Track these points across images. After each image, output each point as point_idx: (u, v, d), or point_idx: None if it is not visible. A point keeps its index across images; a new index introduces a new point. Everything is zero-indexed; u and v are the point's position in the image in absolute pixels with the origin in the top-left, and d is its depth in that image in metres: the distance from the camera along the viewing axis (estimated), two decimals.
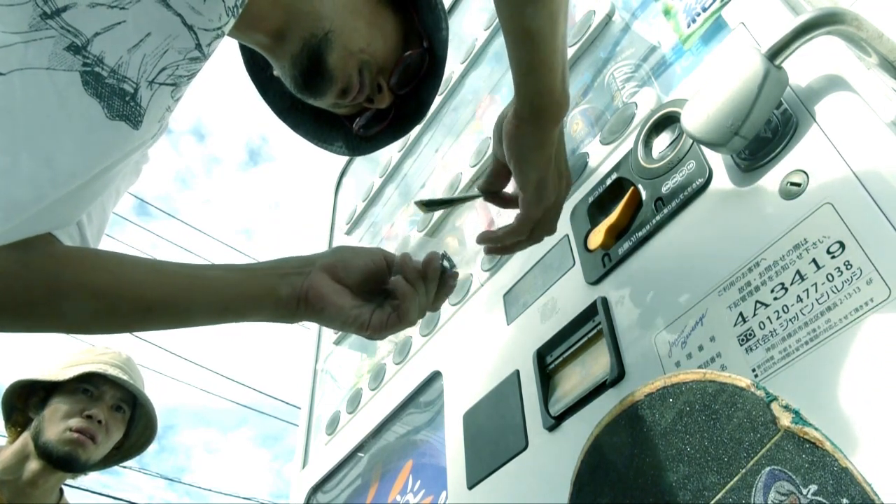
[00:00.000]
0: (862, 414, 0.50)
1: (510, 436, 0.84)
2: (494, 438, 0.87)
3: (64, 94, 0.51)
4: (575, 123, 1.08)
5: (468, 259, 1.20)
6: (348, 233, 1.79)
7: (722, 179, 0.71)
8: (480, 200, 0.84)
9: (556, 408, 0.79)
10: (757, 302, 0.61)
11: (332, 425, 1.35)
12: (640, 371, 0.70)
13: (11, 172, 0.52)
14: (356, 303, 0.71)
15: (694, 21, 0.86)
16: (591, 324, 0.81)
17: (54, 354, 1.54)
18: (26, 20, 0.48)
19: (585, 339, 0.81)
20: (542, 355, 0.86)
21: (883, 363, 0.50)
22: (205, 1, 0.53)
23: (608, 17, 1.07)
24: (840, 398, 0.51)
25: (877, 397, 0.50)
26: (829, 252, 0.57)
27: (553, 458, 0.77)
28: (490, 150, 0.84)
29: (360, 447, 1.23)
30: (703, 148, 0.74)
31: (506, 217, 0.74)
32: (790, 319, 0.58)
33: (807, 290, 0.58)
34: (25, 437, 1.41)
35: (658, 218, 0.76)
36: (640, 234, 0.77)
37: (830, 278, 0.56)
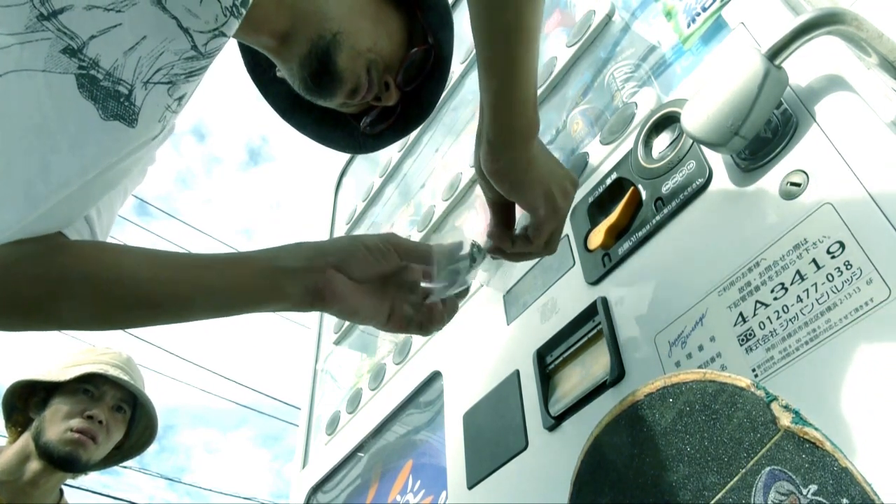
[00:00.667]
0: (862, 414, 0.50)
1: (510, 436, 0.84)
2: (494, 438, 0.87)
3: (59, 96, 0.51)
4: (575, 123, 1.08)
5: None
6: (348, 233, 1.79)
7: (722, 179, 0.71)
8: (480, 200, 0.84)
9: (556, 408, 0.79)
10: (757, 302, 0.61)
11: (332, 425, 1.35)
12: (640, 371, 0.70)
13: (6, 174, 0.52)
14: (373, 301, 0.70)
15: (694, 21, 0.86)
16: (591, 324, 0.81)
17: (55, 355, 1.54)
18: (23, 21, 0.48)
19: (585, 339, 0.81)
20: (542, 355, 0.86)
21: (883, 363, 0.50)
22: (201, 3, 0.53)
23: (608, 17, 1.07)
24: (840, 398, 0.51)
25: (877, 397, 0.50)
26: (829, 252, 0.57)
27: (553, 458, 0.77)
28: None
29: (360, 447, 1.23)
30: (703, 148, 0.74)
31: None
32: (790, 319, 0.58)
33: (807, 290, 0.58)
34: (26, 437, 1.41)
35: (658, 218, 0.76)
36: (640, 234, 0.77)
37: (830, 278, 0.56)
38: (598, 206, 0.88)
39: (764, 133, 0.67)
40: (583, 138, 1.04)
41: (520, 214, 0.75)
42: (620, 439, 0.58)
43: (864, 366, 0.51)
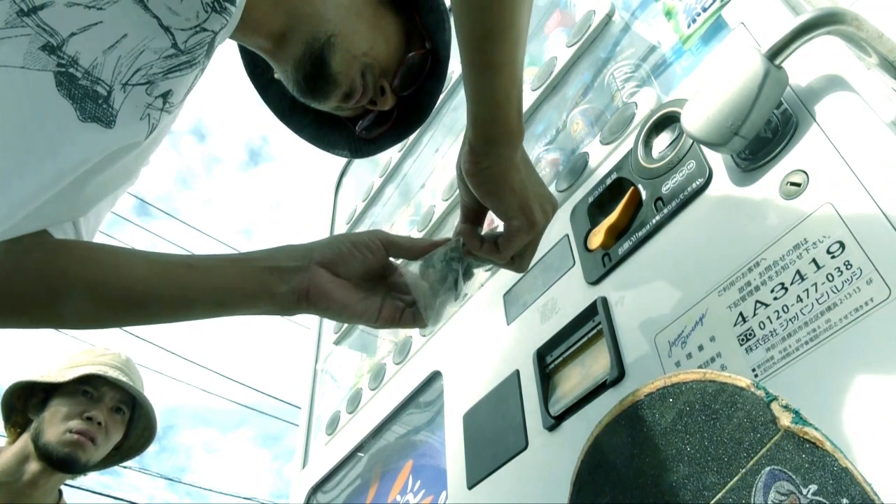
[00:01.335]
0: (862, 414, 0.50)
1: (510, 436, 0.84)
2: (494, 438, 0.87)
3: (37, 94, 0.50)
4: (575, 123, 1.08)
5: None
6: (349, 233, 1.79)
7: (722, 179, 0.71)
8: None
9: (556, 408, 0.79)
10: (757, 302, 0.61)
11: (332, 425, 1.35)
12: (640, 371, 0.70)
13: None
14: (360, 296, 0.70)
15: (694, 21, 0.86)
16: (591, 324, 0.81)
17: (53, 355, 1.54)
18: (2, 16, 0.48)
19: (585, 339, 0.81)
20: (542, 355, 0.86)
21: (883, 363, 0.50)
22: (181, 0, 0.53)
23: (608, 17, 1.08)
24: (840, 398, 0.51)
25: (877, 397, 0.50)
26: (829, 252, 0.57)
27: (553, 458, 0.77)
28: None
29: (360, 447, 1.23)
30: (703, 148, 0.74)
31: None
32: (790, 319, 0.58)
33: (807, 289, 0.58)
34: (25, 438, 1.41)
35: (658, 218, 0.76)
36: (640, 234, 0.77)
37: (830, 278, 0.56)
38: (598, 206, 0.88)
39: (764, 133, 0.67)
40: (583, 138, 1.04)
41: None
42: (620, 439, 0.58)
43: (864, 366, 0.51)
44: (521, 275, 0.98)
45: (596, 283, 0.82)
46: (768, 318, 0.60)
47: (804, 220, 0.60)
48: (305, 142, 0.92)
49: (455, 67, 1.51)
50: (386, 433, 1.20)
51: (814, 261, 0.58)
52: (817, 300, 0.57)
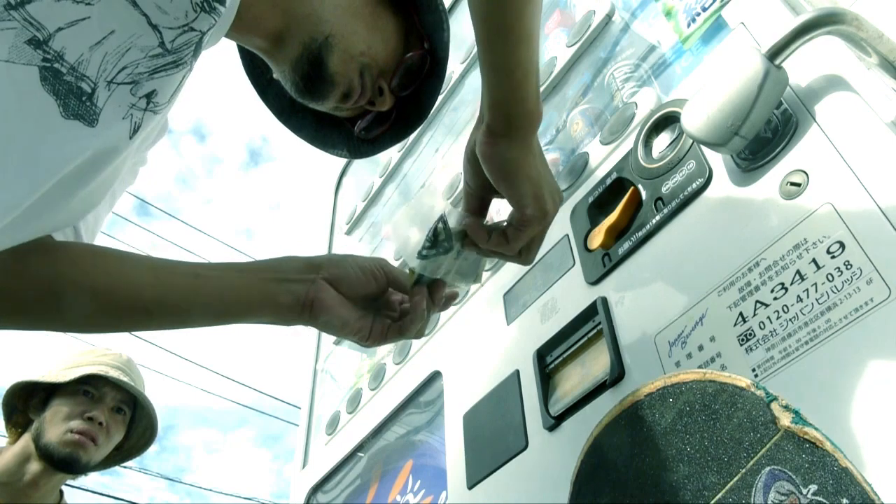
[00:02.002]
0: (862, 414, 0.50)
1: (510, 436, 0.84)
2: (494, 438, 0.87)
3: (21, 89, 0.50)
4: (575, 123, 1.08)
5: None
6: (348, 233, 1.79)
7: (722, 179, 0.71)
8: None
9: (556, 408, 0.79)
10: (757, 302, 0.61)
11: (332, 425, 1.35)
12: (640, 371, 0.70)
13: None
14: (358, 314, 0.71)
15: (694, 21, 0.86)
16: (591, 324, 0.81)
17: (55, 355, 1.54)
18: None
19: (585, 339, 0.81)
20: (542, 355, 0.86)
21: (883, 363, 0.50)
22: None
23: (608, 17, 1.08)
24: (840, 398, 0.51)
25: (877, 397, 0.50)
26: (829, 252, 0.57)
27: (553, 458, 0.77)
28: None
29: (360, 447, 1.23)
30: (703, 148, 0.74)
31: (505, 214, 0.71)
32: (790, 319, 0.58)
33: (807, 289, 0.58)
34: (26, 438, 1.41)
35: (658, 218, 0.76)
36: (640, 234, 0.77)
37: (830, 278, 0.56)
38: (598, 206, 0.88)
39: (764, 133, 0.67)
40: (583, 138, 1.04)
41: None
42: (620, 439, 0.58)
43: (863, 366, 0.51)
44: (521, 275, 0.98)
45: (596, 283, 0.82)
46: (768, 318, 0.60)
47: (804, 220, 0.60)
48: (305, 142, 0.92)
49: (454, 68, 1.51)
50: (386, 433, 1.20)
51: (814, 261, 0.58)
52: (817, 300, 0.57)
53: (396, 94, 0.81)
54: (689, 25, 0.87)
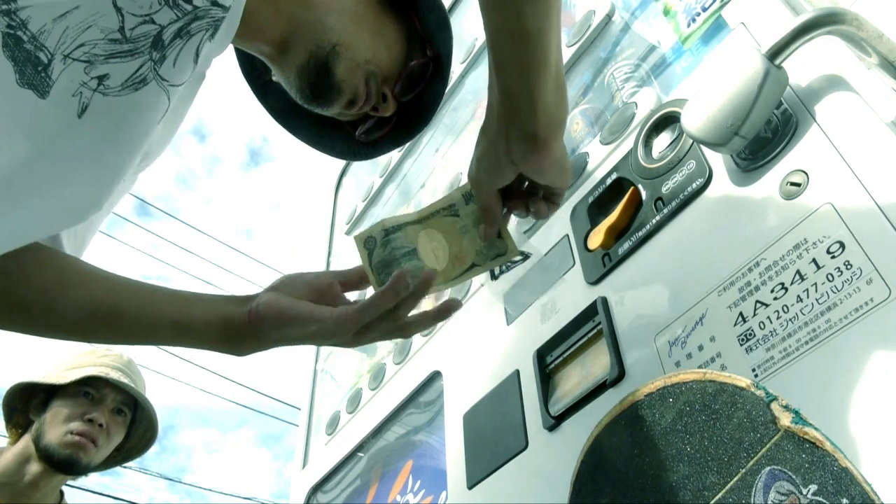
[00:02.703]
0: (862, 414, 0.50)
1: (510, 436, 0.84)
2: (494, 438, 0.87)
3: None
4: (575, 123, 1.08)
5: None
6: (348, 233, 1.79)
7: (722, 179, 0.71)
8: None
9: (556, 408, 0.79)
10: (757, 302, 0.61)
11: (332, 425, 1.35)
12: (640, 371, 0.70)
13: None
14: (308, 303, 0.70)
15: (694, 21, 0.86)
16: (591, 324, 0.80)
17: (55, 356, 1.54)
18: None
19: (585, 339, 0.81)
20: (542, 355, 0.86)
21: (883, 363, 0.50)
22: None
23: (608, 17, 1.07)
24: (840, 398, 0.51)
25: (877, 397, 0.50)
26: (829, 252, 0.57)
27: (553, 458, 0.77)
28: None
29: (360, 447, 1.23)
30: (703, 148, 0.74)
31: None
32: (790, 319, 0.58)
33: (807, 290, 0.58)
34: (27, 439, 1.41)
35: (658, 218, 0.76)
36: (640, 234, 0.77)
37: (830, 278, 0.56)
38: (598, 206, 0.88)
39: (764, 133, 0.67)
40: (583, 138, 1.04)
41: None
42: (620, 439, 0.58)
43: (864, 366, 0.51)
44: (521, 275, 0.98)
45: (596, 283, 0.82)
46: (768, 318, 0.60)
47: (804, 220, 0.60)
48: (303, 143, 0.92)
49: (454, 68, 1.51)
50: (386, 433, 1.20)
51: (814, 261, 0.58)
52: (817, 300, 0.57)
53: (399, 99, 0.82)
54: (689, 25, 0.87)
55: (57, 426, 1.39)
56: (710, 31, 0.84)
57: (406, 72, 0.81)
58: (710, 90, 0.64)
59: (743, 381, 0.51)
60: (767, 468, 0.47)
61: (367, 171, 1.91)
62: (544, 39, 0.58)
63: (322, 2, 0.74)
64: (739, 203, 0.68)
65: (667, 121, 0.82)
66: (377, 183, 1.74)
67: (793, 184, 0.63)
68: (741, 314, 0.62)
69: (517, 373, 0.88)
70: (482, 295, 1.06)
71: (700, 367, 0.63)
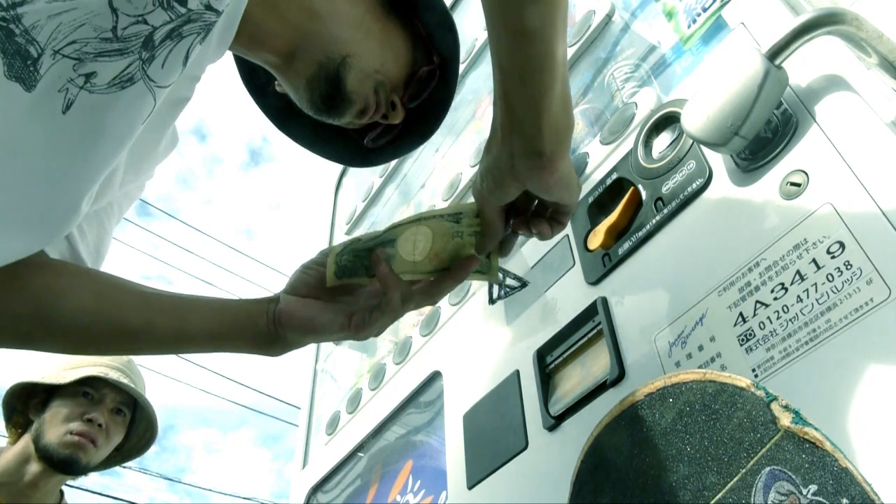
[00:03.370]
0: (862, 414, 0.50)
1: (510, 436, 0.84)
2: (494, 438, 0.87)
3: None
4: (575, 123, 1.08)
5: None
6: (348, 233, 1.79)
7: (722, 179, 0.71)
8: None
9: (556, 408, 0.79)
10: (757, 302, 0.61)
11: (332, 425, 1.35)
12: (640, 371, 0.70)
13: None
14: (323, 308, 0.71)
15: (694, 21, 0.86)
16: (591, 324, 0.80)
17: (55, 356, 1.54)
18: None
19: (585, 339, 0.81)
20: (542, 355, 0.86)
21: (883, 363, 0.50)
22: None
23: (608, 17, 1.07)
24: (840, 398, 0.51)
25: (877, 397, 0.50)
26: (829, 252, 0.57)
27: (553, 458, 0.77)
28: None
29: (360, 447, 1.23)
30: (703, 148, 0.74)
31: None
32: (790, 319, 0.58)
33: (807, 290, 0.58)
34: (26, 439, 1.41)
35: (658, 218, 0.76)
36: (640, 234, 0.77)
37: (830, 278, 0.56)
38: (598, 206, 0.88)
39: (764, 133, 0.67)
40: (583, 138, 1.04)
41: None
42: (620, 439, 0.58)
43: (863, 366, 0.51)
44: (522, 275, 0.98)
45: (596, 283, 0.82)
46: (768, 318, 0.60)
47: (804, 220, 0.60)
48: (303, 148, 0.92)
49: None
50: (386, 433, 1.20)
51: (814, 261, 0.58)
52: (817, 300, 0.57)
53: (407, 106, 0.82)
54: (689, 25, 0.87)
55: (56, 426, 1.39)
56: (711, 32, 0.84)
57: (414, 79, 0.81)
58: (710, 90, 0.64)
59: (743, 382, 0.51)
60: (767, 468, 0.47)
61: (367, 172, 1.91)
62: (548, 43, 0.56)
63: (329, 12, 0.73)
64: (739, 203, 0.68)
65: (667, 121, 0.82)
66: (377, 183, 1.74)
67: (793, 184, 0.63)
68: (741, 314, 0.62)
69: (517, 373, 0.88)
70: (482, 295, 1.06)
71: (700, 367, 0.63)
